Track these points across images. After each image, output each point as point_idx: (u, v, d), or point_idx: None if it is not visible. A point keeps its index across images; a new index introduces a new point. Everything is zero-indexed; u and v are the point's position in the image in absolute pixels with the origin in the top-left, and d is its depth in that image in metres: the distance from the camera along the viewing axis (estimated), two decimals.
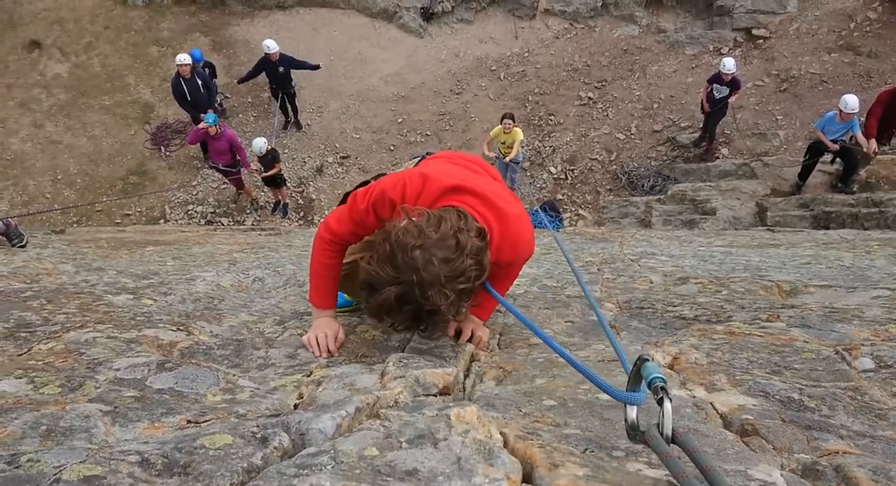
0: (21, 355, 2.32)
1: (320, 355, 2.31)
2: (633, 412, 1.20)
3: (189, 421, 1.69)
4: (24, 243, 6.45)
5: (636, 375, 1.25)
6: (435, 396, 1.83)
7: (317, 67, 14.67)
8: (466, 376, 2.12)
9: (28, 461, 1.20)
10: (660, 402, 1.14)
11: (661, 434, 1.09)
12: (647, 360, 1.25)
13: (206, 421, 1.67)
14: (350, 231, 2.36)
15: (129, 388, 1.93)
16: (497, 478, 0.95)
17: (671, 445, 1.08)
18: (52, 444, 1.50)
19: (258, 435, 1.42)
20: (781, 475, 1.15)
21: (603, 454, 1.23)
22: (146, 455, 1.25)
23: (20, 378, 2.00)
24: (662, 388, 1.17)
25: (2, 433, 1.54)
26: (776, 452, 1.36)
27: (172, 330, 2.69)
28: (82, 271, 5.00)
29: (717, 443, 1.38)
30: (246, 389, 2.00)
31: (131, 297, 3.72)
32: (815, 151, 11.29)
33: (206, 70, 14.27)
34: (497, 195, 2.22)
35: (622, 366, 1.38)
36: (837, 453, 1.31)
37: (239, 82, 15.02)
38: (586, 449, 1.25)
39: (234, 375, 2.15)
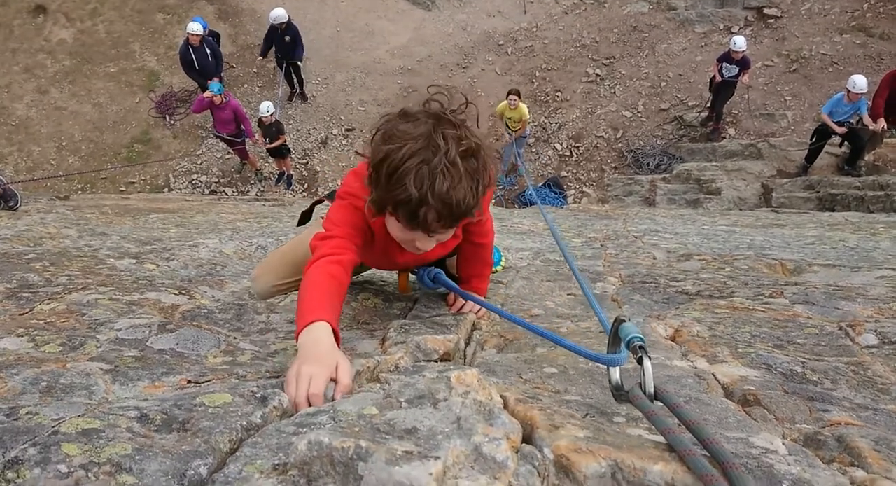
0: (23, 314, 2.32)
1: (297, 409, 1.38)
2: (615, 373, 1.20)
3: (189, 381, 1.69)
4: (16, 205, 6.45)
5: (615, 336, 1.25)
6: (435, 362, 1.82)
7: (300, 59, 14.87)
8: (468, 344, 2.12)
9: (27, 413, 1.19)
10: (639, 361, 1.15)
11: (644, 393, 1.09)
12: (625, 320, 1.25)
13: (207, 381, 1.67)
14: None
15: (130, 348, 1.93)
16: (497, 437, 0.94)
17: (654, 402, 1.08)
18: (51, 400, 1.50)
19: (258, 395, 1.41)
20: (783, 444, 1.14)
21: (603, 420, 1.23)
22: (145, 411, 1.25)
23: (21, 337, 2.00)
24: (641, 347, 1.18)
25: (2, 388, 1.54)
26: (778, 422, 1.35)
27: (175, 294, 2.69)
28: (86, 236, 5.00)
29: (719, 412, 1.37)
30: (247, 351, 2.00)
31: (134, 261, 3.72)
32: (822, 133, 11.21)
33: (211, 37, 14.17)
34: None
35: (601, 326, 1.38)
36: (840, 424, 1.30)
37: (261, 56, 15.09)
38: (587, 414, 1.24)
39: (235, 338, 2.15)
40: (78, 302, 2.45)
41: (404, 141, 1.67)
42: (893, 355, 1.87)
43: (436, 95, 1.83)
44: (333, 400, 1.37)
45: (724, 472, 0.85)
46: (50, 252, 3.92)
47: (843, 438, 1.18)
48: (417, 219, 1.67)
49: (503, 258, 2.85)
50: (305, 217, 2.99)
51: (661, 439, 0.98)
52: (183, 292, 2.74)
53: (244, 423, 1.24)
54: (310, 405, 1.37)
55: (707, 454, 0.91)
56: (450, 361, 1.88)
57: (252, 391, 1.43)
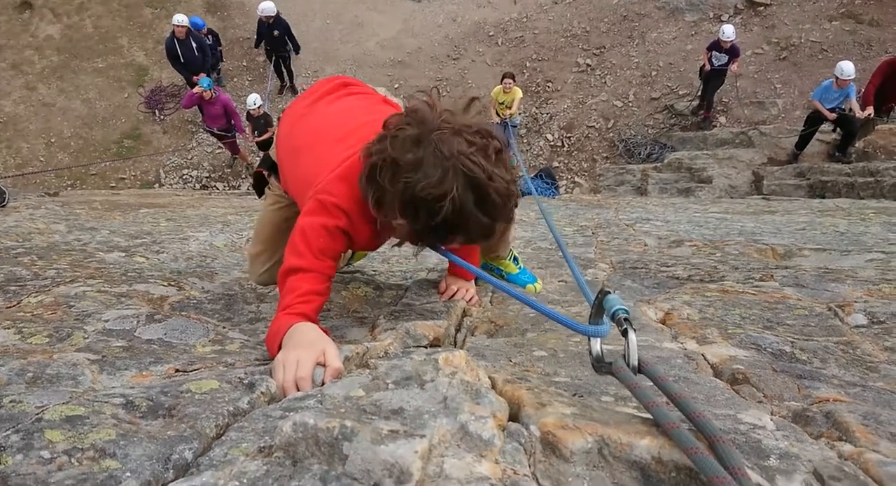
0: (10, 307, 2.29)
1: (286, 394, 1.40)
2: (597, 345, 1.19)
3: (177, 370, 1.68)
4: (4, 202, 6.42)
5: (598, 308, 1.24)
6: (425, 347, 1.82)
7: (297, 49, 14.94)
8: (458, 331, 2.11)
9: (10, 401, 1.18)
10: (624, 333, 1.13)
11: (629, 365, 1.08)
12: (609, 293, 1.24)
13: (195, 370, 1.66)
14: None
15: (118, 338, 1.92)
16: (483, 415, 0.94)
17: (638, 375, 1.07)
18: (36, 389, 1.49)
19: (245, 381, 1.41)
20: (771, 420, 1.14)
21: (592, 399, 1.22)
22: (131, 398, 1.24)
23: (8, 329, 1.98)
24: (626, 319, 1.16)
25: None
26: (766, 399, 1.35)
27: (164, 286, 2.67)
28: (75, 231, 4.96)
29: (707, 390, 1.37)
30: (236, 340, 1.99)
31: (123, 255, 3.70)
32: (814, 120, 11.23)
33: (210, 37, 14.14)
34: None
35: (585, 298, 1.37)
36: (828, 400, 1.30)
37: (256, 47, 15.14)
38: (575, 394, 1.24)
39: (224, 327, 2.14)
40: (66, 295, 2.43)
41: (418, 166, 1.51)
42: (882, 334, 1.87)
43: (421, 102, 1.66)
44: (324, 384, 1.37)
45: (710, 445, 0.85)
46: (38, 247, 3.90)
47: (832, 414, 1.18)
48: (449, 238, 1.63)
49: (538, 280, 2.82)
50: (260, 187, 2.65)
51: (648, 415, 0.97)
52: (172, 283, 2.72)
53: (231, 408, 1.23)
54: (298, 390, 1.36)
55: (693, 427, 0.91)
56: (440, 346, 1.87)
57: (240, 378, 1.42)
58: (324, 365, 1.45)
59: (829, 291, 2.49)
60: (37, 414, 1.11)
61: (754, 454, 0.96)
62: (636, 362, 1.08)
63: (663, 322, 2.15)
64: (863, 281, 2.64)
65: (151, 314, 2.14)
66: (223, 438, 1.08)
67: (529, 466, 0.89)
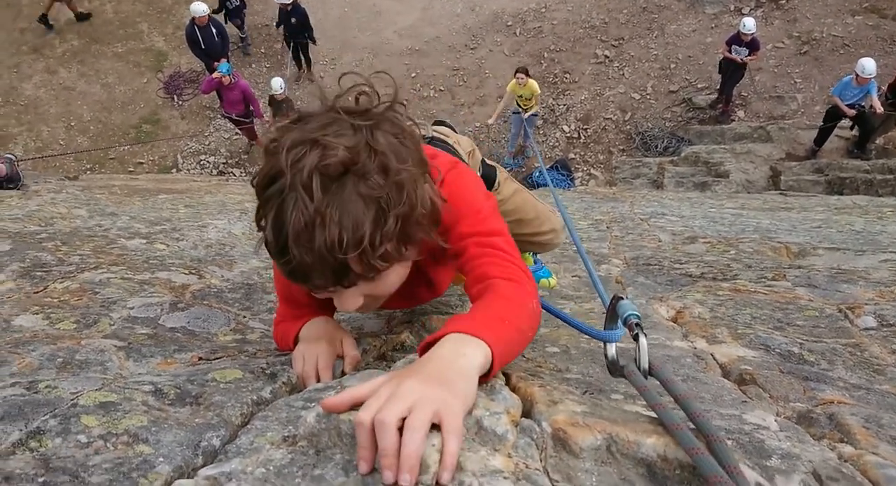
0: (37, 292, 2.37)
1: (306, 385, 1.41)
2: (611, 349, 1.24)
3: (200, 358, 1.74)
4: (18, 185, 6.56)
5: (612, 313, 1.28)
6: None
7: (313, 40, 14.92)
8: None
9: (46, 387, 1.24)
10: (635, 338, 1.18)
11: (640, 368, 1.13)
12: (622, 298, 1.28)
13: (217, 358, 1.72)
14: None
15: (143, 326, 1.98)
16: (497, 411, 0.98)
17: (648, 378, 1.12)
18: (67, 375, 1.55)
19: (267, 371, 1.46)
20: (775, 421, 1.18)
21: (602, 397, 1.27)
22: (159, 386, 1.29)
23: (37, 314, 2.05)
24: (637, 324, 1.21)
25: (20, 363, 1.59)
26: (772, 400, 1.39)
27: (185, 274, 2.73)
28: (96, 216, 5.05)
29: (715, 390, 1.41)
30: (256, 330, 2.04)
31: (144, 241, 3.77)
32: (833, 116, 11.14)
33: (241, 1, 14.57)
34: None
35: (604, 306, 1.41)
36: (832, 402, 1.34)
37: (277, 28, 15.14)
38: (586, 391, 1.28)
39: (244, 316, 2.20)
40: (90, 281, 2.49)
41: (274, 156, 1.16)
42: (891, 336, 1.90)
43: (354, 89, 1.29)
44: (343, 374, 1.42)
45: (708, 444, 0.89)
46: (61, 232, 3.97)
47: (835, 415, 1.22)
48: (290, 274, 1.23)
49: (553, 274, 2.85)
50: None
51: (655, 415, 1.01)
52: (193, 271, 2.79)
53: (254, 398, 1.29)
54: (318, 381, 1.40)
55: (694, 427, 0.95)
56: None
57: (262, 368, 1.47)
58: (341, 357, 1.49)
59: (840, 292, 2.52)
60: (72, 400, 1.17)
61: (757, 453, 1.00)
62: (647, 366, 1.13)
63: (675, 320, 2.18)
64: (875, 282, 2.65)
65: (174, 303, 2.20)
66: (248, 426, 1.13)
67: (541, 460, 0.94)
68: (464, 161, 2.00)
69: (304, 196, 1.09)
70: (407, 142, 1.23)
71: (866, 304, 2.23)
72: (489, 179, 2.29)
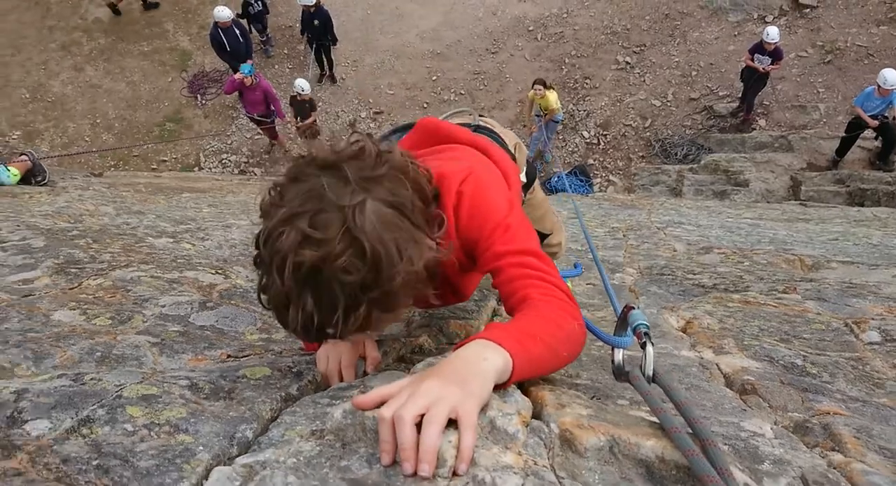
0: (72, 289, 2.48)
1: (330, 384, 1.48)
2: (619, 355, 1.32)
3: (229, 356, 1.84)
4: (44, 180, 6.74)
5: (623, 321, 1.36)
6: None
7: (334, 42, 15.14)
8: None
9: (91, 379, 1.34)
10: (643, 346, 1.26)
11: (644, 375, 1.21)
12: (633, 308, 1.36)
13: (245, 356, 1.82)
14: None
15: (174, 323, 2.08)
16: (509, 412, 1.06)
17: (652, 384, 1.20)
18: (107, 368, 1.65)
19: (294, 370, 1.55)
20: (771, 429, 1.25)
21: (608, 402, 1.35)
22: (195, 381, 1.39)
23: (73, 310, 2.16)
24: (646, 333, 1.29)
25: (62, 356, 1.70)
26: (771, 410, 1.46)
27: (211, 273, 2.84)
28: (123, 214, 5.19)
29: (717, 399, 1.48)
30: (281, 330, 2.13)
31: (171, 240, 3.89)
32: (856, 126, 11.10)
33: (259, 3, 14.82)
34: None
35: (612, 307, 1.49)
36: (828, 413, 1.40)
37: (301, 34, 15.31)
38: (593, 397, 1.36)
39: (269, 316, 2.29)
40: (122, 279, 2.60)
41: (266, 219, 1.22)
42: (893, 351, 1.96)
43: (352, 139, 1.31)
44: (365, 374, 1.50)
45: (703, 448, 0.97)
46: (91, 229, 4.10)
47: (829, 425, 1.29)
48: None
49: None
50: None
51: (656, 419, 1.09)
52: (219, 271, 2.89)
53: (283, 394, 1.38)
54: (340, 380, 1.49)
55: (691, 432, 1.03)
56: None
57: (289, 366, 1.56)
58: (363, 358, 1.58)
59: (849, 306, 2.57)
60: (116, 391, 1.26)
61: (750, 458, 1.08)
62: (651, 373, 1.21)
63: (684, 330, 2.25)
64: (885, 297, 2.70)
65: (203, 302, 2.30)
66: (278, 420, 1.22)
67: (548, 459, 1.02)
68: (510, 153, 2.04)
69: (277, 280, 1.15)
70: (404, 201, 1.24)
71: (873, 319, 2.28)
72: (531, 178, 2.34)
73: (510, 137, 2.23)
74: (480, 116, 2.27)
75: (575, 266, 2.87)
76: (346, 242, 1.13)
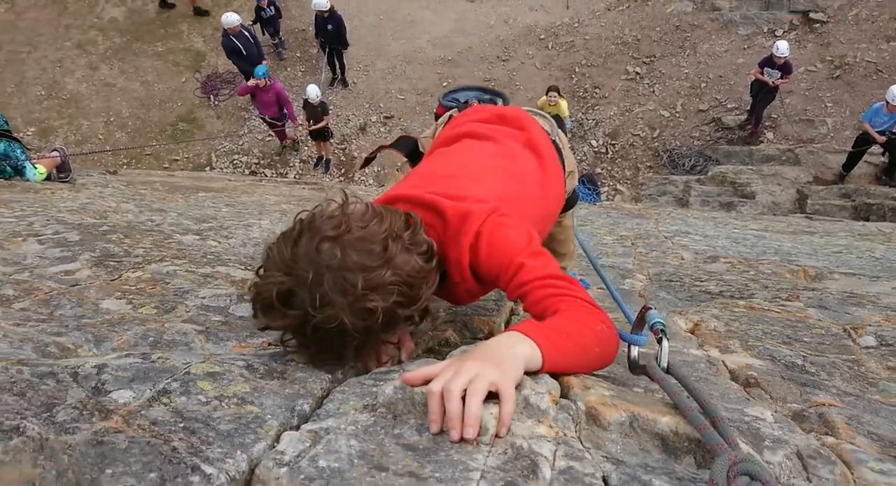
0: (114, 280, 2.62)
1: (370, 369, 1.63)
2: (634, 351, 1.47)
3: (270, 344, 1.98)
4: (68, 178, 6.89)
5: (640, 321, 1.52)
6: (480, 339, 2.09)
7: (345, 46, 15.39)
8: (507, 325, 2.38)
9: (159, 357, 1.48)
10: (659, 341, 1.42)
11: (659, 365, 1.36)
12: (650, 309, 1.52)
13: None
14: None
15: (215, 313, 2.22)
16: (541, 391, 1.21)
17: (667, 374, 1.35)
18: (159, 351, 1.79)
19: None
20: (772, 415, 1.39)
21: (626, 388, 1.49)
22: (250, 362, 1.53)
23: (120, 299, 2.30)
24: (662, 330, 1.45)
25: (119, 340, 1.84)
26: (772, 400, 1.60)
27: (241, 269, 2.98)
28: (145, 211, 5.34)
29: (723, 390, 1.62)
30: None
31: (197, 238, 4.03)
32: (863, 141, 11.23)
33: (272, 8, 15.07)
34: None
35: (621, 311, 1.65)
36: (824, 404, 1.54)
37: (315, 37, 15.54)
38: (612, 384, 1.50)
39: None
40: (159, 272, 2.74)
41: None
42: (888, 355, 2.10)
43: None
44: (400, 362, 1.65)
45: (713, 424, 1.11)
46: (119, 225, 4.25)
47: (824, 414, 1.43)
48: None
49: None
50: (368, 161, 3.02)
51: (669, 401, 1.23)
52: (248, 267, 3.03)
53: (329, 377, 1.52)
54: (379, 366, 1.64)
55: (703, 411, 1.17)
56: None
57: None
58: (398, 347, 1.72)
59: (849, 314, 2.71)
60: (185, 368, 1.41)
61: (752, 437, 1.22)
62: (666, 364, 1.36)
63: (692, 332, 2.39)
64: (883, 307, 2.84)
65: (240, 295, 2.45)
66: (330, 397, 1.36)
67: (576, 432, 1.16)
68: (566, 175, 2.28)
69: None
70: (374, 252, 1.47)
71: (870, 326, 2.42)
72: (570, 204, 2.54)
73: (570, 162, 2.39)
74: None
75: (581, 282, 3.06)
76: (314, 310, 1.44)
